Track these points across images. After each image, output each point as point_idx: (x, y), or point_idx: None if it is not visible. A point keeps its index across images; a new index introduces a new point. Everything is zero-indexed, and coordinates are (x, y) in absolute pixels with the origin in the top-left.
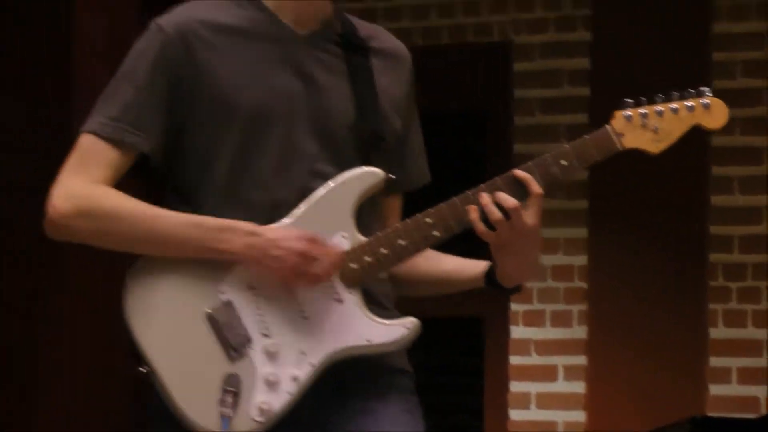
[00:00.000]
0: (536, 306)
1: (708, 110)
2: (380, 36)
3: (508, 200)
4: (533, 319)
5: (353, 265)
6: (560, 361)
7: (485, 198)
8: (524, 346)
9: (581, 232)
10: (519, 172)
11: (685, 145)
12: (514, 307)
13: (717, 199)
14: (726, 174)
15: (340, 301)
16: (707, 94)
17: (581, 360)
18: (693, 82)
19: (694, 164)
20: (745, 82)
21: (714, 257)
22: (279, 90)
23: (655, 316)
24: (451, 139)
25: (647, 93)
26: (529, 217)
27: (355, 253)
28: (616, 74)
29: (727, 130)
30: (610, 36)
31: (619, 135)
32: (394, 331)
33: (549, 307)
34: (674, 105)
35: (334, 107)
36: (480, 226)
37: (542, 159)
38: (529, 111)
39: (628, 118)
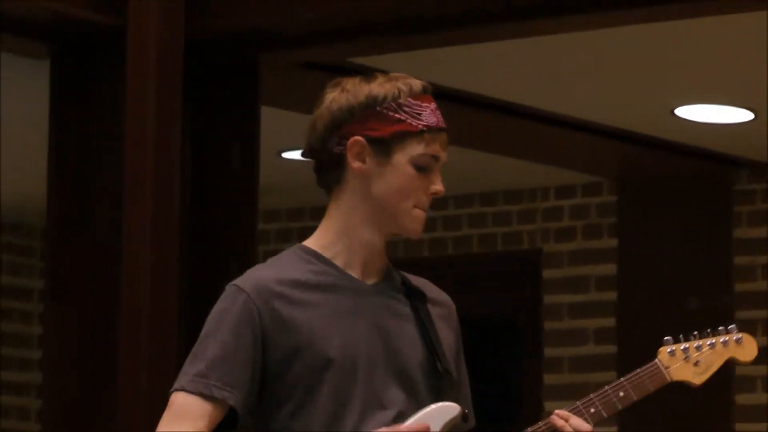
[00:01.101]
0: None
1: (740, 344)
2: (428, 286)
3: (583, 426)
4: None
5: None
6: None
7: (559, 421)
8: None
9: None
10: (587, 405)
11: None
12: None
13: (741, 398)
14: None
15: None
16: (737, 330)
17: None
18: (716, 285)
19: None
20: (766, 284)
21: (739, 398)
22: (360, 337)
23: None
24: (482, 346)
25: (673, 297)
26: None
27: None
28: (643, 279)
29: (748, 329)
30: (635, 242)
31: (667, 368)
32: None
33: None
34: (711, 341)
35: (407, 350)
36: None
37: (603, 391)
38: (558, 316)
39: (672, 353)
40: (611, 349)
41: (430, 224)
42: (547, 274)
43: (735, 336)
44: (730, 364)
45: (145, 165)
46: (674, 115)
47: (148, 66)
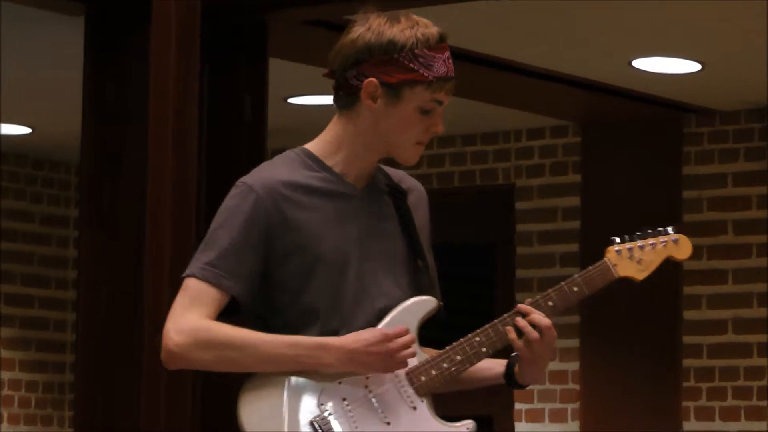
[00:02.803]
0: (537, 405)
1: (677, 244)
2: (405, 178)
3: (543, 320)
4: (534, 416)
5: (422, 378)
6: None
7: (521, 321)
8: None
9: (574, 343)
10: (545, 299)
11: (660, 271)
12: (518, 406)
13: (688, 314)
14: (696, 292)
15: (414, 408)
16: (674, 232)
17: None
18: (667, 215)
19: (668, 288)
20: (710, 216)
21: (686, 362)
22: (351, 238)
23: (637, 413)
24: (463, 268)
25: (630, 227)
26: (553, 333)
27: (422, 367)
28: (603, 210)
29: (696, 255)
30: (597, 178)
31: (614, 266)
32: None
33: (547, 406)
34: (652, 241)
35: (392, 248)
36: (518, 344)
37: (559, 287)
38: (529, 242)
39: (619, 252)
40: (575, 271)
41: (418, 162)
42: (520, 206)
43: (672, 237)
44: (668, 262)
45: (166, 111)
46: (631, 66)
47: (170, 24)
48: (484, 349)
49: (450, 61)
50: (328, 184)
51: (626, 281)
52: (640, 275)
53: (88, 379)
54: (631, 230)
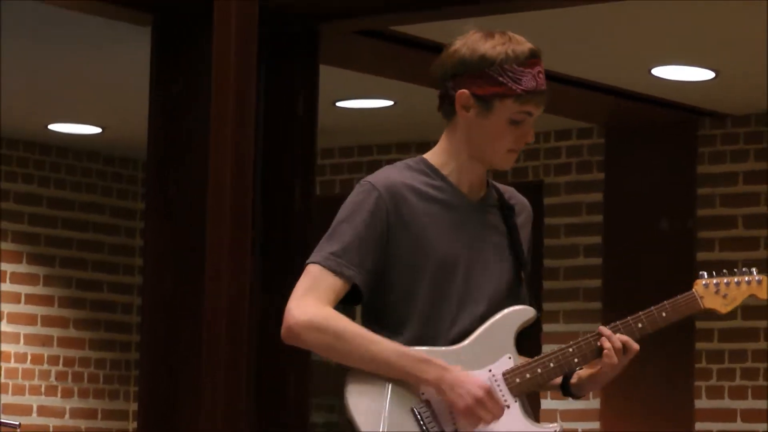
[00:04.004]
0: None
1: (760, 285)
2: (514, 194)
3: (633, 345)
4: (558, 393)
5: (517, 380)
6: (580, 426)
7: (615, 339)
8: (552, 415)
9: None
10: (636, 321)
11: (673, 263)
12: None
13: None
14: None
15: (508, 406)
16: (757, 273)
17: (596, 425)
18: (683, 210)
19: (683, 278)
20: (723, 211)
21: (699, 345)
22: (462, 245)
23: (654, 391)
24: None
25: (649, 221)
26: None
27: (518, 370)
28: (624, 205)
29: (708, 248)
30: (619, 175)
31: (701, 297)
32: (549, 429)
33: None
34: (737, 279)
35: (498, 258)
36: (611, 356)
37: (649, 311)
38: (556, 235)
39: (706, 286)
40: (597, 261)
41: None
42: (548, 201)
43: (757, 277)
44: (751, 299)
45: (227, 112)
46: (651, 74)
47: (230, 31)
48: (576, 360)
49: (541, 75)
50: (443, 193)
51: (710, 312)
52: (724, 309)
53: (152, 358)
54: (651, 224)
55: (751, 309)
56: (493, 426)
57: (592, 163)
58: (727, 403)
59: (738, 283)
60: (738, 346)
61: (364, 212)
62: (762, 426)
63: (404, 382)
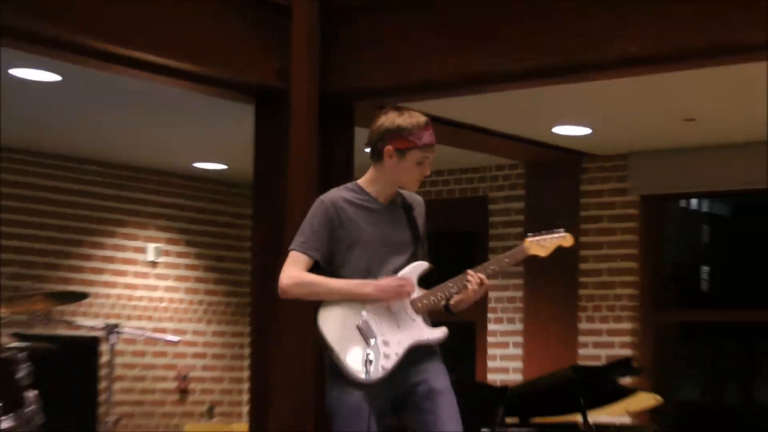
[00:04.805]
0: (499, 315)
1: (565, 238)
2: (412, 196)
3: (486, 281)
4: (498, 321)
5: (419, 304)
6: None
7: (476, 277)
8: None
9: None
10: (489, 264)
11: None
12: (490, 315)
13: (583, 265)
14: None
15: (414, 320)
16: (564, 231)
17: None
18: (570, 221)
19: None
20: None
21: (581, 291)
22: (379, 232)
23: (552, 318)
24: (450, 251)
25: (549, 225)
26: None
27: (419, 298)
28: (538, 212)
29: (588, 247)
30: (533, 192)
31: (527, 248)
32: (438, 332)
33: (506, 316)
34: (551, 235)
35: (402, 237)
36: (473, 287)
37: (498, 258)
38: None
39: (531, 240)
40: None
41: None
42: (491, 207)
43: (563, 234)
44: (559, 248)
45: (300, 155)
46: (552, 131)
47: (301, 107)
48: (454, 290)
49: (432, 134)
50: (366, 202)
51: (534, 257)
52: (544, 253)
53: (258, 304)
54: (552, 224)
55: (616, 270)
56: (407, 332)
57: (517, 185)
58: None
59: (552, 238)
60: (604, 292)
61: (318, 216)
62: (625, 339)
63: (352, 303)
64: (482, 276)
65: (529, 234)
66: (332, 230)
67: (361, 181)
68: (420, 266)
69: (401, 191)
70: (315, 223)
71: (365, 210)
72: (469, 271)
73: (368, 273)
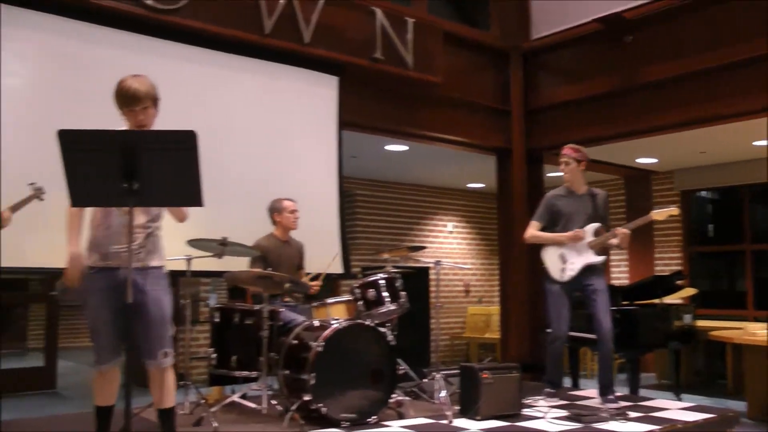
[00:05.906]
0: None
1: (672, 210)
2: (598, 191)
3: (627, 231)
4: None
5: (590, 245)
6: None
7: (621, 230)
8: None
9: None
10: (629, 225)
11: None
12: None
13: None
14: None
15: (587, 252)
16: (673, 207)
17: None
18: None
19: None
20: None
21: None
22: (576, 210)
23: (640, 249)
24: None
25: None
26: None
27: (591, 242)
28: (635, 204)
29: None
30: (628, 193)
31: (653, 214)
32: (599, 258)
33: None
34: (666, 208)
35: (587, 211)
36: (622, 236)
37: (635, 221)
38: None
39: (654, 211)
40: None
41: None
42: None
43: (672, 208)
44: (669, 216)
45: (518, 185)
46: (636, 161)
47: (517, 158)
48: (611, 238)
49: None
50: (570, 195)
51: (656, 221)
52: (661, 217)
53: (504, 266)
54: (642, 211)
55: (665, 226)
56: (583, 257)
57: (619, 188)
58: (661, 254)
59: (667, 210)
60: (664, 233)
61: (544, 204)
62: (676, 262)
63: (557, 248)
64: (626, 230)
65: (655, 208)
66: (551, 209)
67: (563, 185)
68: (593, 226)
69: (591, 188)
70: (542, 207)
71: (569, 198)
72: (618, 228)
73: (565, 230)
